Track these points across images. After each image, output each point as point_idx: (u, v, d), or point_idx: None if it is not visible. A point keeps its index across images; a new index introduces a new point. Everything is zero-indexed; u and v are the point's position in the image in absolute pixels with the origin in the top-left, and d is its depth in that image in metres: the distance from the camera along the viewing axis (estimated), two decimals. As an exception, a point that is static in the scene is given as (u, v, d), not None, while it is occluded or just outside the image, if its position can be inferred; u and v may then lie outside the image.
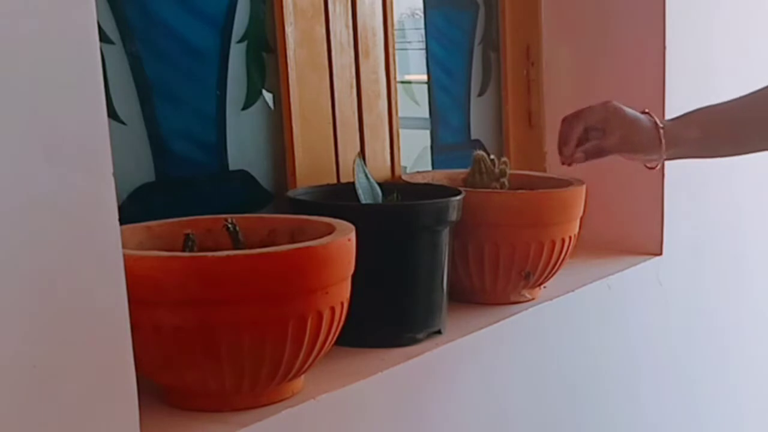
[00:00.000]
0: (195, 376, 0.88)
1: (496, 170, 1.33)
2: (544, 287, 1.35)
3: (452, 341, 1.15)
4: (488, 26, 1.67)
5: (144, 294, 0.81)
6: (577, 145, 1.20)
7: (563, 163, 1.21)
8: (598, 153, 1.21)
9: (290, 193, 1.17)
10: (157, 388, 0.93)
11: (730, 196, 1.86)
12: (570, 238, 1.28)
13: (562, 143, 1.21)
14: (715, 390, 1.89)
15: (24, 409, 0.68)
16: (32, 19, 0.66)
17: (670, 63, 1.57)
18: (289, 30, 1.21)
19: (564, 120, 1.23)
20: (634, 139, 1.19)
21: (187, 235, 0.97)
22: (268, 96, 1.23)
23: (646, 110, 1.21)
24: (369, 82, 1.33)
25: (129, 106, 1.08)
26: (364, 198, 1.15)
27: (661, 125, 1.19)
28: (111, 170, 0.72)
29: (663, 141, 1.19)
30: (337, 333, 0.94)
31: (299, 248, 0.87)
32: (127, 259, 0.75)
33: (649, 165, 1.24)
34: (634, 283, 1.58)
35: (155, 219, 1.01)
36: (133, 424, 0.77)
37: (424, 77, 1.59)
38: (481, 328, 1.20)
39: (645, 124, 1.19)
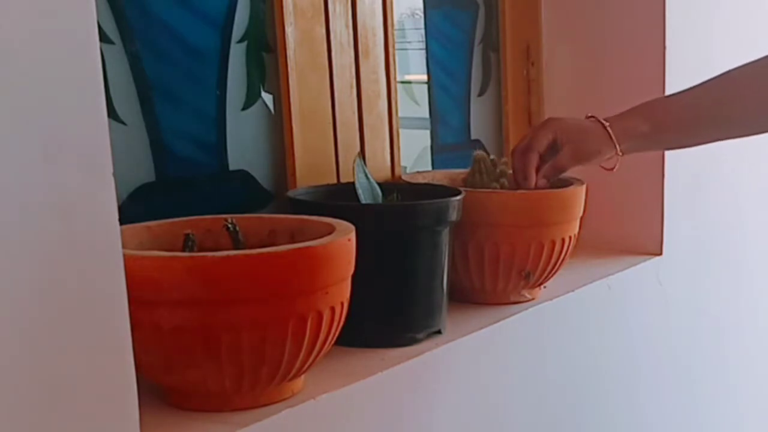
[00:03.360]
0: (195, 376, 0.88)
1: (496, 170, 1.33)
2: (544, 287, 1.35)
3: (452, 341, 1.15)
4: (488, 26, 1.67)
5: (144, 294, 0.81)
6: (537, 173, 1.22)
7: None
8: (557, 172, 1.23)
9: (290, 193, 1.17)
10: (157, 388, 0.93)
11: (730, 196, 1.86)
12: (570, 238, 1.28)
13: (521, 178, 1.23)
14: (715, 390, 1.89)
15: (23, 409, 0.68)
16: (32, 18, 0.66)
17: (670, 63, 1.57)
18: (289, 30, 1.21)
19: (515, 153, 1.24)
20: (586, 147, 1.21)
21: (187, 235, 0.97)
22: (268, 96, 1.23)
23: (590, 114, 1.22)
24: (369, 82, 1.33)
25: (129, 106, 1.08)
26: (364, 198, 1.15)
27: (606, 123, 1.20)
28: (111, 170, 0.72)
29: (613, 137, 1.19)
30: (337, 333, 0.94)
31: (299, 248, 0.87)
32: (127, 259, 0.75)
33: (606, 167, 1.24)
34: (634, 283, 1.58)
35: (155, 219, 1.00)
36: (133, 424, 0.77)
37: (424, 77, 1.59)
38: (481, 328, 1.20)
39: (591, 128, 1.21)
